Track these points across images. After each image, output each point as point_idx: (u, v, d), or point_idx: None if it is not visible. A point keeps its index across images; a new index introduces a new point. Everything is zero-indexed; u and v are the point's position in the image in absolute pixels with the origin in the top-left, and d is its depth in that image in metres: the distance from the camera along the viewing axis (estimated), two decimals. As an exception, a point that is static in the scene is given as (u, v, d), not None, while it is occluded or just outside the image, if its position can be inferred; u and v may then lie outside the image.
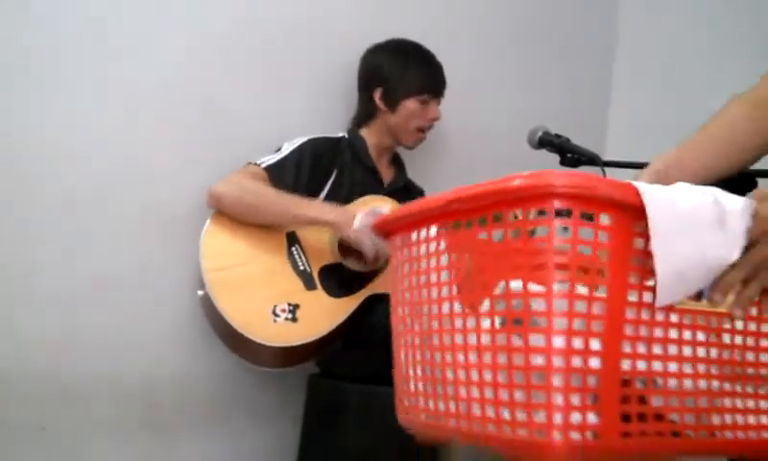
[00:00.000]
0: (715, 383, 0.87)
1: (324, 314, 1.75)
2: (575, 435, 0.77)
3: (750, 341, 0.91)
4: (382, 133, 2.04)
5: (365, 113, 2.05)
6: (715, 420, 0.87)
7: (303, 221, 1.82)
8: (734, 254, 0.84)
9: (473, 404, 0.85)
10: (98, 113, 1.84)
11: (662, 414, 0.84)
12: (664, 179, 0.98)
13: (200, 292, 1.80)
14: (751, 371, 0.90)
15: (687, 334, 0.86)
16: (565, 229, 0.78)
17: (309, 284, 1.79)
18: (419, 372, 0.95)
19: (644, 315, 0.82)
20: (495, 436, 0.82)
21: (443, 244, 0.91)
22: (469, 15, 2.40)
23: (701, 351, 0.87)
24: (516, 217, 0.81)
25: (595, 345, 0.78)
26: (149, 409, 1.90)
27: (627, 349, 0.81)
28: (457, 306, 0.89)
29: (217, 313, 1.71)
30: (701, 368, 0.86)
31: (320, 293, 1.79)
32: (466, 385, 0.86)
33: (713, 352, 0.88)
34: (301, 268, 1.80)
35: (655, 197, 0.81)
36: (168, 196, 1.91)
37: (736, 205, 0.86)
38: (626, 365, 0.81)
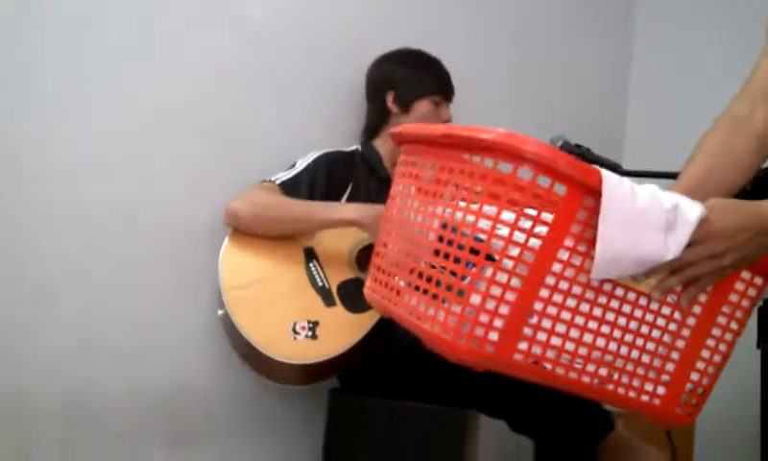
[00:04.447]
0: (612, 345, 1.05)
1: (344, 330, 1.76)
2: (474, 344, 0.97)
3: (660, 321, 1.07)
4: None
5: (377, 121, 2.07)
6: (602, 371, 1.06)
7: (324, 223, 1.82)
8: (670, 254, 0.99)
9: (429, 310, 1.04)
10: (112, 131, 1.87)
11: (559, 351, 1.02)
12: None
13: (220, 312, 1.82)
14: (650, 345, 1.08)
15: (603, 299, 1.03)
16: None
17: (328, 300, 1.80)
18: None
19: (569, 273, 0.99)
20: (430, 331, 1.02)
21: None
22: (481, 30, 2.43)
23: (609, 316, 1.04)
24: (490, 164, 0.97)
25: (515, 282, 0.96)
26: (168, 426, 1.92)
27: (544, 294, 0.99)
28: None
29: (237, 332, 1.73)
30: (605, 329, 1.04)
31: (339, 309, 1.79)
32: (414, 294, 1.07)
33: (621, 320, 1.05)
34: (320, 284, 1.81)
35: (615, 187, 0.95)
36: (184, 214, 1.95)
37: (692, 212, 0.99)
38: (538, 306, 0.99)
